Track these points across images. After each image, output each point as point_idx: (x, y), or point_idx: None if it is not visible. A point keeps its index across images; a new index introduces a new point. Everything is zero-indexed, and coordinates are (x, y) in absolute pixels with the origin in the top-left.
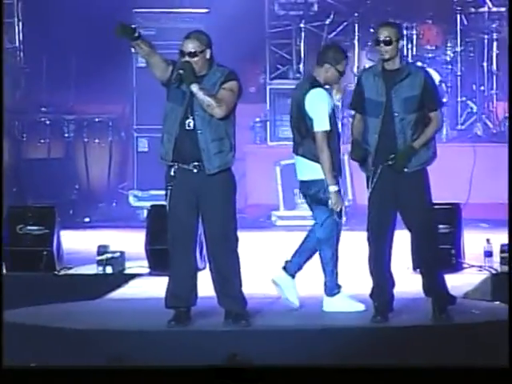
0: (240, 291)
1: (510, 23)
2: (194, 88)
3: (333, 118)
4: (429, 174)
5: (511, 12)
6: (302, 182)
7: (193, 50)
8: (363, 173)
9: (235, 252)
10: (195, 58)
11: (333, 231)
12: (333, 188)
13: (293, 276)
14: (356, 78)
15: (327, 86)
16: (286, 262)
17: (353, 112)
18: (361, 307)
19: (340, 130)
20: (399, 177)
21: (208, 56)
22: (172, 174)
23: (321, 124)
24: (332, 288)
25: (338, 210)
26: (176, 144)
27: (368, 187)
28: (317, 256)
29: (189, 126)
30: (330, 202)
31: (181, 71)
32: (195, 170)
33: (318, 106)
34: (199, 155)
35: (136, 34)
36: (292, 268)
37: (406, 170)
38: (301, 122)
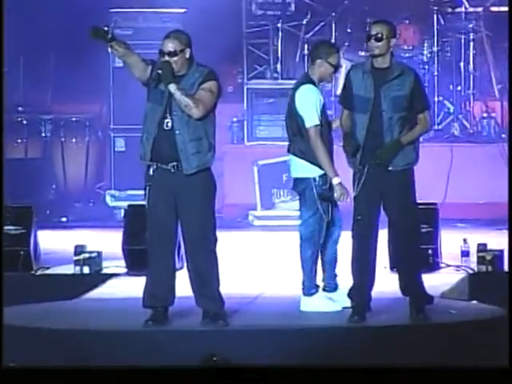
0: (218, 291)
1: (510, 23)
2: (172, 88)
3: (324, 113)
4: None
5: (511, 12)
6: (293, 179)
7: (172, 50)
8: (352, 169)
9: (213, 252)
10: (174, 58)
11: (314, 231)
12: (336, 180)
13: (335, 289)
14: (344, 74)
15: (322, 83)
16: (321, 284)
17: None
18: (338, 307)
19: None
20: (386, 175)
21: (187, 56)
22: (151, 173)
23: (311, 120)
24: (310, 288)
25: (347, 200)
26: (154, 144)
27: (354, 184)
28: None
29: (167, 126)
30: (335, 195)
31: (159, 71)
32: (173, 170)
33: (307, 101)
34: (177, 155)
35: (109, 36)
36: (330, 286)
37: (392, 168)
38: (292, 120)
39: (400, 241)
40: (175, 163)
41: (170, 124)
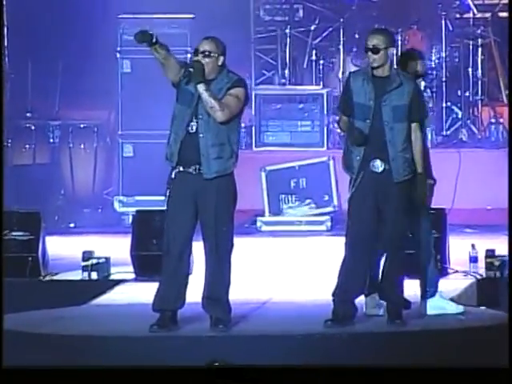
0: (227, 298)
1: (510, 23)
2: (201, 88)
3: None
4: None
5: (511, 12)
6: None
7: (207, 51)
8: (348, 175)
9: (228, 259)
10: (207, 59)
11: None
12: None
13: (433, 294)
14: (344, 80)
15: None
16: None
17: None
18: (460, 308)
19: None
20: (382, 183)
21: (220, 63)
22: (173, 176)
23: None
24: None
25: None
26: (181, 146)
27: (349, 190)
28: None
29: (192, 129)
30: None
31: (190, 69)
32: (194, 173)
33: None
34: (199, 159)
35: (154, 40)
36: (430, 292)
37: (396, 180)
38: None
39: (385, 246)
40: (197, 166)
41: (194, 127)
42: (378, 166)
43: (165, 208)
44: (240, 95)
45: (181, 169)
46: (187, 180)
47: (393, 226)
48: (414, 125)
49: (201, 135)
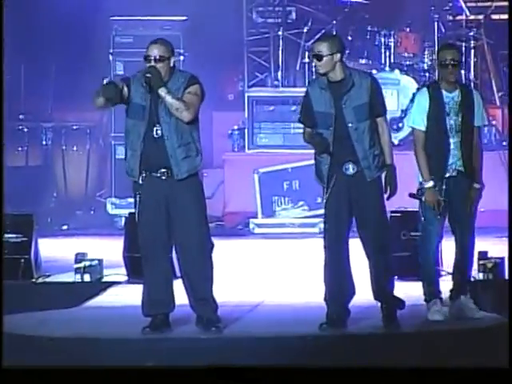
0: (211, 295)
1: (510, 23)
2: (163, 92)
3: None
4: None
5: (511, 12)
6: None
7: (159, 56)
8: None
9: (210, 258)
10: (161, 64)
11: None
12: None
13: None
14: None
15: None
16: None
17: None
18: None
19: None
20: (355, 185)
21: (172, 63)
22: (140, 182)
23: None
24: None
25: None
26: (142, 156)
27: (324, 195)
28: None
29: (157, 134)
30: (422, 198)
31: (148, 75)
32: (164, 177)
33: None
34: (167, 161)
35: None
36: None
37: (369, 178)
38: None
39: (372, 249)
40: (165, 170)
41: (160, 131)
42: (350, 168)
43: (136, 215)
44: (198, 92)
45: (148, 174)
46: (157, 185)
47: (373, 226)
48: (379, 119)
49: (166, 138)
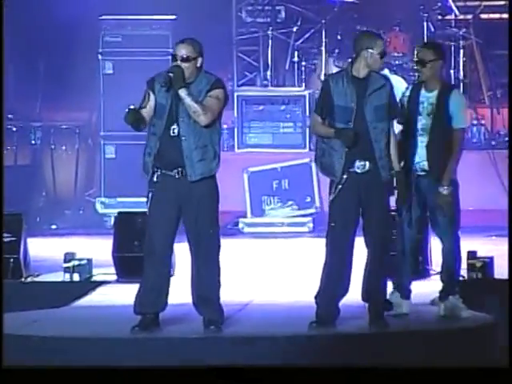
0: (218, 299)
1: (510, 23)
2: (183, 93)
3: None
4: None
5: (511, 12)
6: None
7: (186, 55)
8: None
9: (217, 260)
10: (187, 64)
11: None
12: None
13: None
14: (322, 82)
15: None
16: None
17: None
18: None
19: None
20: (366, 184)
21: (199, 64)
22: (155, 179)
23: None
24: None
25: None
26: (159, 151)
27: (330, 191)
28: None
29: (173, 133)
30: None
31: (170, 74)
32: (177, 176)
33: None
34: (182, 162)
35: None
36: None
37: (384, 178)
38: None
39: (373, 249)
40: (180, 169)
41: (176, 130)
42: (363, 166)
43: (147, 211)
44: (220, 96)
45: (163, 172)
46: (170, 183)
47: (379, 226)
48: (395, 121)
49: (183, 138)
